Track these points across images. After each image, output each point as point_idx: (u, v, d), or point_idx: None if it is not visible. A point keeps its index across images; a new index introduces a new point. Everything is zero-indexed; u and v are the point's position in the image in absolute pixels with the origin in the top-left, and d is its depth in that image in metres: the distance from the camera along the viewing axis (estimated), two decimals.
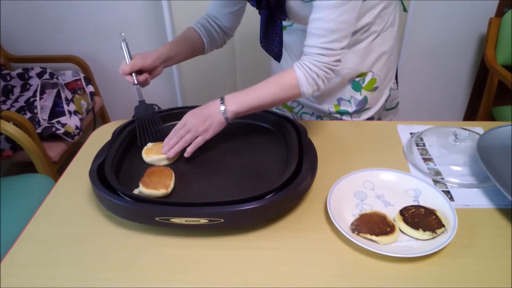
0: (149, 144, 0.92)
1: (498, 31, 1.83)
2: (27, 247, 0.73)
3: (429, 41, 2.03)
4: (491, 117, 1.93)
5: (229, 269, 0.68)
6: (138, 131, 0.93)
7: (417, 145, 0.96)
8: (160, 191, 0.77)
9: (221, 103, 0.86)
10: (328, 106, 1.13)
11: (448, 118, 2.28)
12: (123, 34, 0.96)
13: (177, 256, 0.70)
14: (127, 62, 0.93)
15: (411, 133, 1.01)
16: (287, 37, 1.06)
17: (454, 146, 0.93)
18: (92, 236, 0.75)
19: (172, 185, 0.80)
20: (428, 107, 2.26)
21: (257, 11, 0.99)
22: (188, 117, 0.86)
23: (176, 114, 1.02)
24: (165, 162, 0.87)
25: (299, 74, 0.84)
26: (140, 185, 0.78)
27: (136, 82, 0.93)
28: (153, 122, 0.95)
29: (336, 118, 1.14)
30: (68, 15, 1.99)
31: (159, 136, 0.93)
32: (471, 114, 2.25)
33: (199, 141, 0.86)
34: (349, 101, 1.10)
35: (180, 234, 0.74)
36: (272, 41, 0.98)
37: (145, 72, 0.96)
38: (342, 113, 1.12)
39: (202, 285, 0.65)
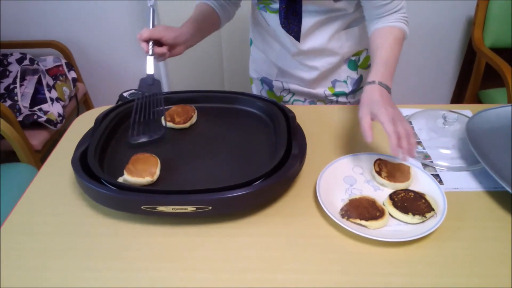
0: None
1: (486, 13, 1.82)
2: (9, 237, 0.71)
3: (417, 24, 2.01)
4: (478, 100, 1.94)
5: (218, 257, 0.66)
6: (135, 108, 0.83)
7: None
8: (146, 179, 0.75)
9: (379, 85, 0.81)
10: (323, 90, 1.11)
11: (435, 101, 2.29)
12: (152, 3, 0.87)
13: (165, 245, 0.69)
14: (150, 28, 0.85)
15: None
16: (275, 21, 1.03)
17: (443, 129, 0.93)
18: (77, 226, 0.73)
19: (158, 172, 0.78)
20: (415, 90, 2.26)
21: None
22: (386, 113, 0.75)
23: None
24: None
25: (403, 27, 0.91)
26: (125, 172, 0.75)
27: (151, 52, 0.83)
28: (155, 102, 0.84)
29: (332, 101, 1.13)
30: None
31: (157, 119, 0.85)
32: (458, 97, 2.26)
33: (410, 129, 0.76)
34: (345, 81, 1.09)
35: (168, 223, 0.72)
36: (292, 21, 0.96)
37: (164, 46, 0.88)
38: (338, 95, 1.11)
39: (191, 273, 0.64)
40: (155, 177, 0.77)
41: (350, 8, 0.96)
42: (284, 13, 0.95)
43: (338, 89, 1.11)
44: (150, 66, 0.85)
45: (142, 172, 0.76)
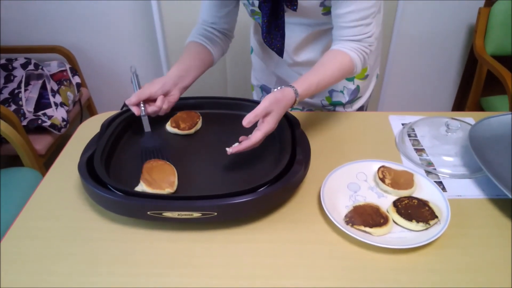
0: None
1: (487, 21, 1.84)
2: (16, 242, 0.71)
3: (419, 32, 2.03)
4: (479, 107, 1.95)
5: (223, 262, 0.67)
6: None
7: (409, 135, 0.96)
8: (166, 191, 0.74)
9: (293, 90, 0.80)
10: (320, 99, 1.12)
11: (436, 108, 2.30)
12: (133, 66, 0.91)
13: (171, 250, 0.69)
14: (135, 91, 0.87)
15: (402, 124, 1.01)
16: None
17: (446, 137, 0.94)
18: (83, 230, 0.73)
19: (176, 182, 0.77)
20: (417, 97, 2.27)
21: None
22: (269, 129, 0.78)
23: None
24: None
25: (355, 58, 0.88)
26: (143, 183, 0.74)
27: (143, 113, 0.86)
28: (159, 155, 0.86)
29: (329, 110, 1.14)
30: (53, 3, 1.94)
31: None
32: (459, 105, 2.27)
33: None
34: (341, 92, 1.09)
35: (173, 228, 0.73)
36: (275, 36, 0.95)
37: (157, 99, 0.87)
38: (335, 104, 1.12)
39: (196, 278, 0.64)
40: (175, 187, 0.76)
41: None
42: (266, 27, 0.94)
43: (335, 99, 1.11)
44: (146, 125, 0.88)
45: (160, 182, 0.75)
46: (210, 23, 1.01)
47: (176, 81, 0.91)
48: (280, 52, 0.98)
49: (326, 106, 1.13)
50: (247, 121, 0.75)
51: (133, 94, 0.86)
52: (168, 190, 0.74)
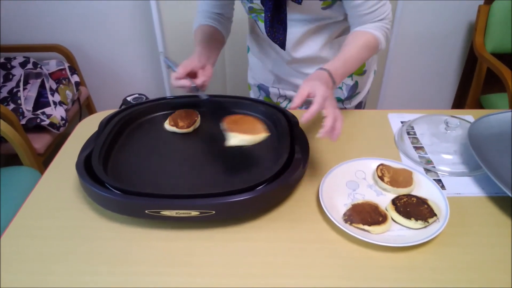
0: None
1: (487, 18, 1.83)
2: (14, 241, 0.71)
3: (418, 29, 2.03)
4: (479, 105, 1.95)
5: (221, 261, 0.67)
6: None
7: (408, 133, 0.96)
8: (263, 135, 0.75)
9: (327, 73, 0.81)
10: None
11: (436, 106, 2.29)
12: (162, 53, 0.92)
13: (169, 249, 0.69)
14: (176, 71, 0.88)
15: (402, 122, 1.01)
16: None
17: (445, 135, 0.93)
18: (80, 229, 0.73)
19: (266, 127, 0.77)
20: (417, 95, 2.27)
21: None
22: (323, 93, 0.74)
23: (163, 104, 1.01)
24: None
25: (378, 35, 0.91)
26: (236, 134, 0.74)
27: (193, 84, 0.87)
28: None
29: None
30: (52, 2, 1.94)
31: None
32: (459, 102, 2.27)
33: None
34: (340, 88, 1.09)
35: (171, 227, 0.73)
36: (277, 29, 0.96)
37: (198, 73, 0.89)
38: None
39: (194, 277, 0.64)
40: (268, 132, 0.77)
41: (339, 15, 0.96)
42: (269, 21, 0.95)
43: (333, 95, 1.11)
44: (201, 94, 0.89)
45: (252, 129, 0.76)
46: (211, 11, 1.05)
47: (208, 55, 0.95)
48: (282, 45, 1.00)
49: None
50: (295, 104, 0.74)
51: (178, 68, 0.87)
52: (263, 134, 0.75)
